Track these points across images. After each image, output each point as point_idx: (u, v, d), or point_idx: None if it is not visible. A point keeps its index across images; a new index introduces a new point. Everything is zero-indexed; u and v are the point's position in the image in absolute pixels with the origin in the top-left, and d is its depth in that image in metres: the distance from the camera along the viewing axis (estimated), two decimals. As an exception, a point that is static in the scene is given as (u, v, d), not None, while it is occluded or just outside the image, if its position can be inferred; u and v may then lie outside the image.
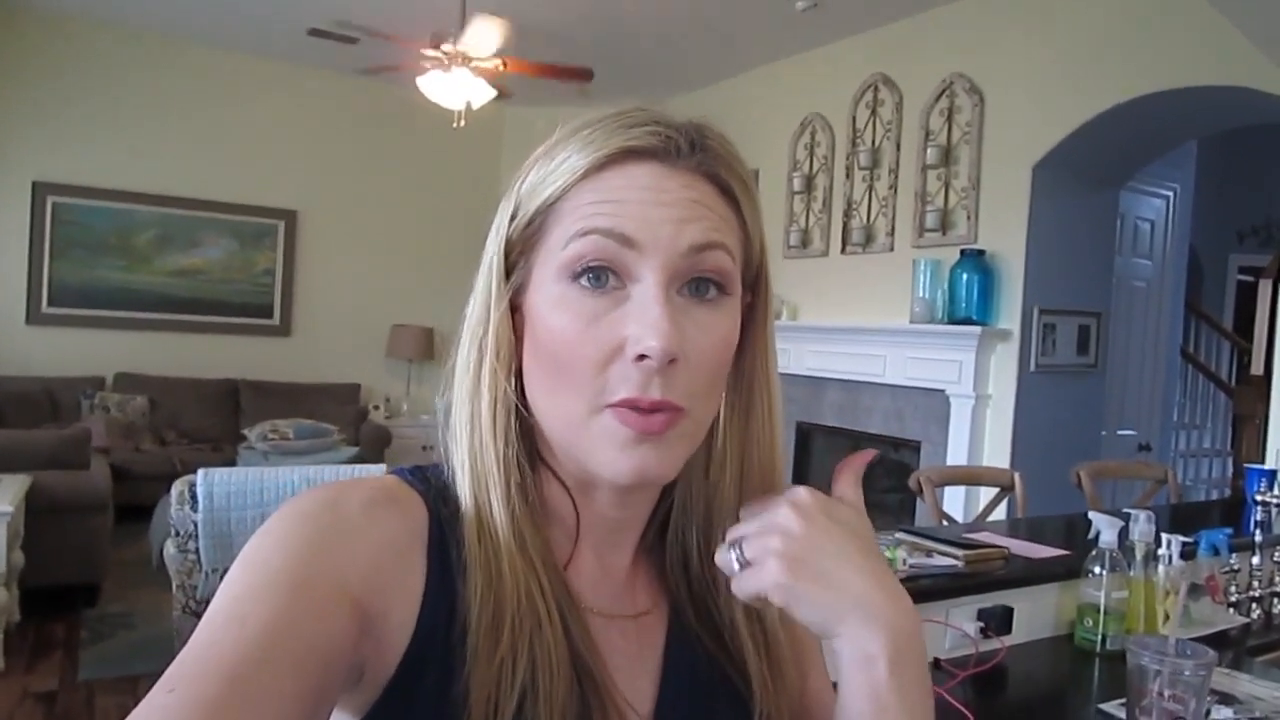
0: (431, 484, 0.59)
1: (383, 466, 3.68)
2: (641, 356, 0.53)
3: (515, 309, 0.59)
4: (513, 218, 0.59)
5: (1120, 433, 4.70)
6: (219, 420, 5.56)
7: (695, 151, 0.58)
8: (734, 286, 0.59)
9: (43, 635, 3.38)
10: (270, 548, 0.51)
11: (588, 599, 0.61)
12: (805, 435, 5.05)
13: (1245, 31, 2.90)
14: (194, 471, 2.60)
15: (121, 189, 5.53)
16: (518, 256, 0.59)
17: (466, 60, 4.03)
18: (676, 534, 0.66)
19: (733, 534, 0.58)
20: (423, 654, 0.53)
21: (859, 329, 4.51)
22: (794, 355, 4.94)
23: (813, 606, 0.54)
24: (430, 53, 3.99)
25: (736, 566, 0.56)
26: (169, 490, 2.63)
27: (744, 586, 0.56)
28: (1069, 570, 1.90)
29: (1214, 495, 5.72)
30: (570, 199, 0.57)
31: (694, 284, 0.56)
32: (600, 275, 0.55)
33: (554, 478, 0.61)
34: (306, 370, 6.10)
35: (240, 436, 5.28)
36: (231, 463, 4.81)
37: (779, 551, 0.54)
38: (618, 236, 0.54)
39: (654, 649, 0.64)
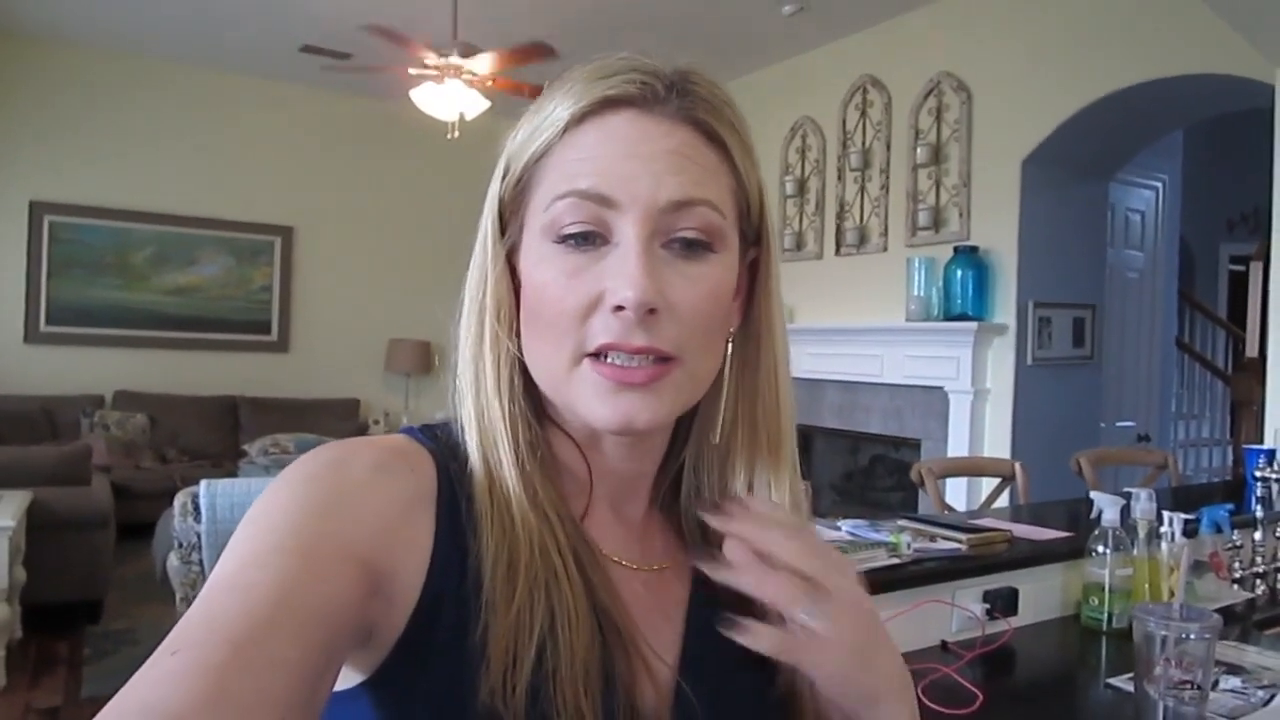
0: (441, 441, 0.59)
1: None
2: (619, 308, 0.53)
3: (512, 269, 0.59)
4: (504, 176, 0.60)
5: (1119, 424, 4.72)
6: (219, 437, 5.56)
7: (676, 97, 0.57)
8: (724, 243, 0.57)
9: (45, 652, 3.37)
10: (274, 511, 0.50)
11: (608, 549, 0.61)
12: (805, 437, 5.05)
13: (1226, 18, 2.93)
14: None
15: (118, 208, 5.55)
16: (510, 215, 0.60)
17: (459, 72, 4.06)
18: (690, 497, 0.66)
19: (801, 564, 0.55)
20: (434, 609, 0.52)
21: (856, 329, 4.53)
22: (792, 358, 4.92)
23: (860, 691, 0.55)
24: (419, 71, 4.01)
25: (805, 618, 0.54)
26: (171, 505, 2.63)
27: (795, 653, 0.54)
28: (1073, 551, 1.91)
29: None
30: (554, 155, 0.56)
31: (680, 242, 0.55)
32: (583, 237, 0.55)
33: (562, 433, 0.61)
34: (305, 385, 6.10)
35: (241, 452, 5.28)
36: (233, 478, 4.81)
37: (848, 630, 0.54)
38: (595, 197, 0.54)
39: (678, 603, 0.63)
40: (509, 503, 0.56)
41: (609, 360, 0.54)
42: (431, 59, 3.97)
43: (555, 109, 0.57)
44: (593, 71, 0.57)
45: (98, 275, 5.54)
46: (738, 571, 0.55)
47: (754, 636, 0.53)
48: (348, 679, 0.54)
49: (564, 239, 0.55)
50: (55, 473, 3.74)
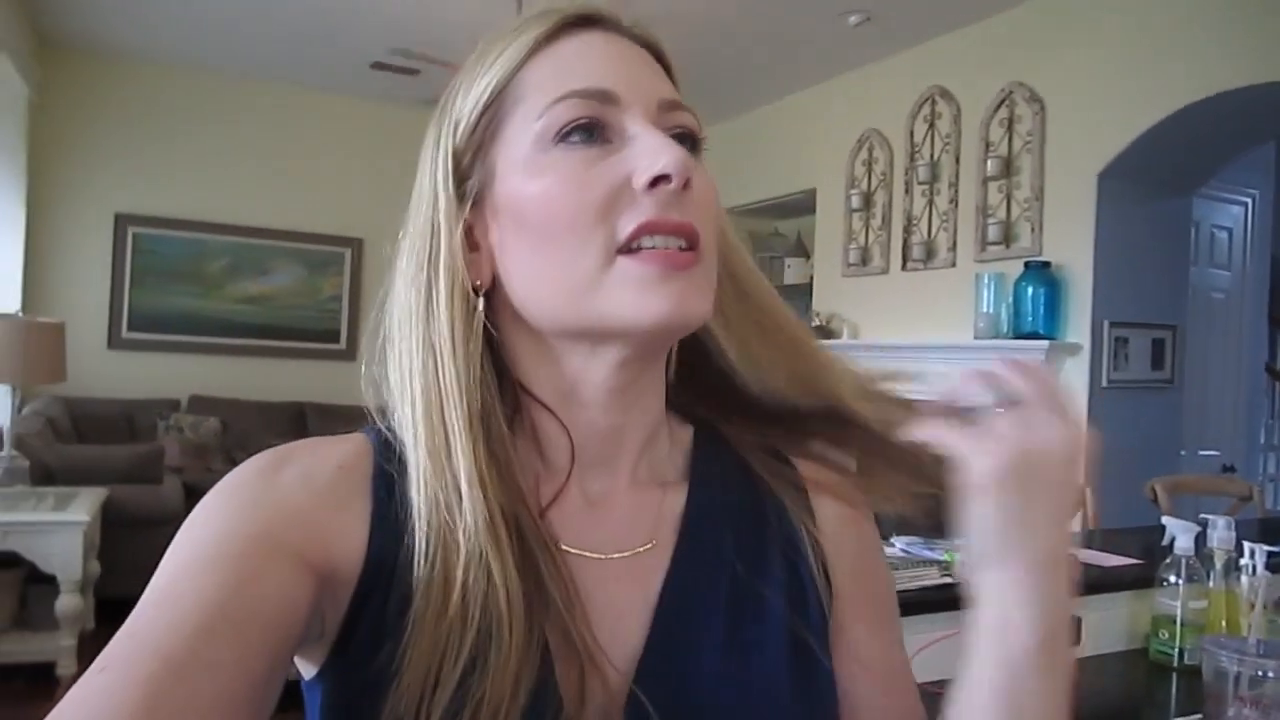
0: (379, 430, 0.56)
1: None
2: (657, 180, 0.50)
3: (471, 225, 0.55)
4: (455, 130, 0.55)
5: (1201, 453, 4.49)
6: (286, 442, 5.67)
7: (633, 26, 0.57)
8: (701, 150, 0.56)
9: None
10: (204, 522, 0.49)
11: (571, 539, 0.55)
12: (868, 455, 4.94)
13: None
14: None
15: (195, 219, 5.74)
16: (470, 162, 0.55)
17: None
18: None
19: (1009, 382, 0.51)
20: (363, 607, 0.50)
21: (921, 346, 4.42)
22: (855, 374, 4.85)
23: (996, 530, 0.49)
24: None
25: (987, 399, 0.50)
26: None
27: (958, 441, 0.50)
28: (1142, 579, 1.81)
29: (1305, 519, 5.44)
30: (525, 77, 0.53)
31: (677, 136, 0.53)
32: (590, 131, 0.52)
33: (530, 398, 0.56)
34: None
35: (307, 458, 5.38)
36: (298, 482, 4.91)
37: (1021, 465, 0.49)
38: (597, 94, 0.52)
39: (649, 592, 0.56)
40: (447, 495, 0.51)
41: (647, 247, 0.50)
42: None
43: (509, 47, 0.54)
44: (538, 8, 0.56)
45: (175, 284, 5.73)
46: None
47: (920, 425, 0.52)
48: (308, 670, 0.53)
49: (567, 135, 0.51)
50: (130, 472, 3.88)
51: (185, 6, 4.64)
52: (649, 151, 0.50)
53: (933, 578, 1.57)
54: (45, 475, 3.62)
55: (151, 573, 0.48)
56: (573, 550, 0.55)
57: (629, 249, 0.50)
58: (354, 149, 6.11)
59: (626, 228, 0.50)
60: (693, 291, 0.51)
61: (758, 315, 0.60)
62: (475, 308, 0.54)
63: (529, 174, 0.52)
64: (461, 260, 0.54)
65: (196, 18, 4.78)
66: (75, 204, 5.46)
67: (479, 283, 0.55)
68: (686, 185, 0.51)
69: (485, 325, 0.55)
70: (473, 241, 0.55)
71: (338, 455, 0.55)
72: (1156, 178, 3.86)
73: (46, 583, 3.18)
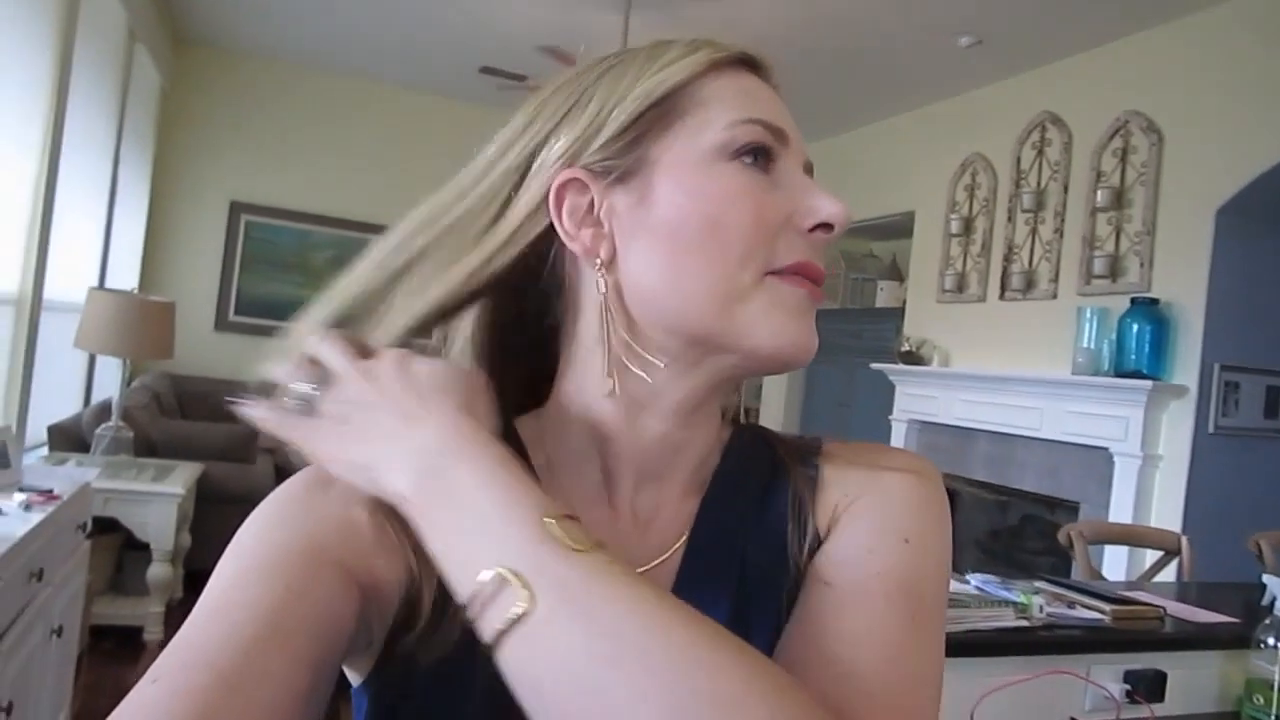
0: None
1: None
2: (821, 226, 0.54)
3: (594, 200, 0.55)
4: (611, 108, 0.55)
5: (1315, 510, 4.22)
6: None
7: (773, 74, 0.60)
8: None
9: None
10: (251, 536, 0.50)
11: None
12: (952, 488, 4.81)
13: None
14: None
15: (304, 211, 5.98)
16: (615, 147, 0.54)
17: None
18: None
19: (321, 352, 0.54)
20: (409, 616, 0.51)
21: (1015, 379, 4.27)
22: (943, 403, 4.74)
23: (346, 463, 0.50)
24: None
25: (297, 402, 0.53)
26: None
27: (297, 432, 0.52)
28: (1236, 638, 1.72)
29: None
30: (705, 86, 0.55)
31: None
32: (758, 155, 0.55)
33: (602, 400, 0.55)
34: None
35: (392, 448, 5.54)
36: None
37: (332, 411, 0.51)
38: (774, 130, 0.55)
39: None
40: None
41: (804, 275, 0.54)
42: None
43: (684, 56, 0.56)
44: (704, 37, 0.58)
45: (282, 273, 5.97)
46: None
47: (249, 409, 0.54)
48: (355, 679, 0.55)
49: (743, 153, 0.54)
50: (226, 449, 4.04)
51: (309, 9, 4.85)
52: (821, 198, 0.55)
53: (1008, 619, 1.51)
54: (148, 447, 3.81)
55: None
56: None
57: (781, 273, 0.54)
58: (456, 151, 6.13)
59: (785, 259, 0.54)
60: (813, 333, 0.55)
61: None
62: (596, 284, 0.54)
63: (700, 176, 0.53)
64: (526, 209, 0.55)
65: (318, 20, 4.99)
66: (194, 190, 5.75)
67: (599, 258, 0.54)
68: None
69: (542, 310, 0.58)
70: (590, 216, 0.55)
71: None
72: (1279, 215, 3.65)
73: (140, 550, 3.34)
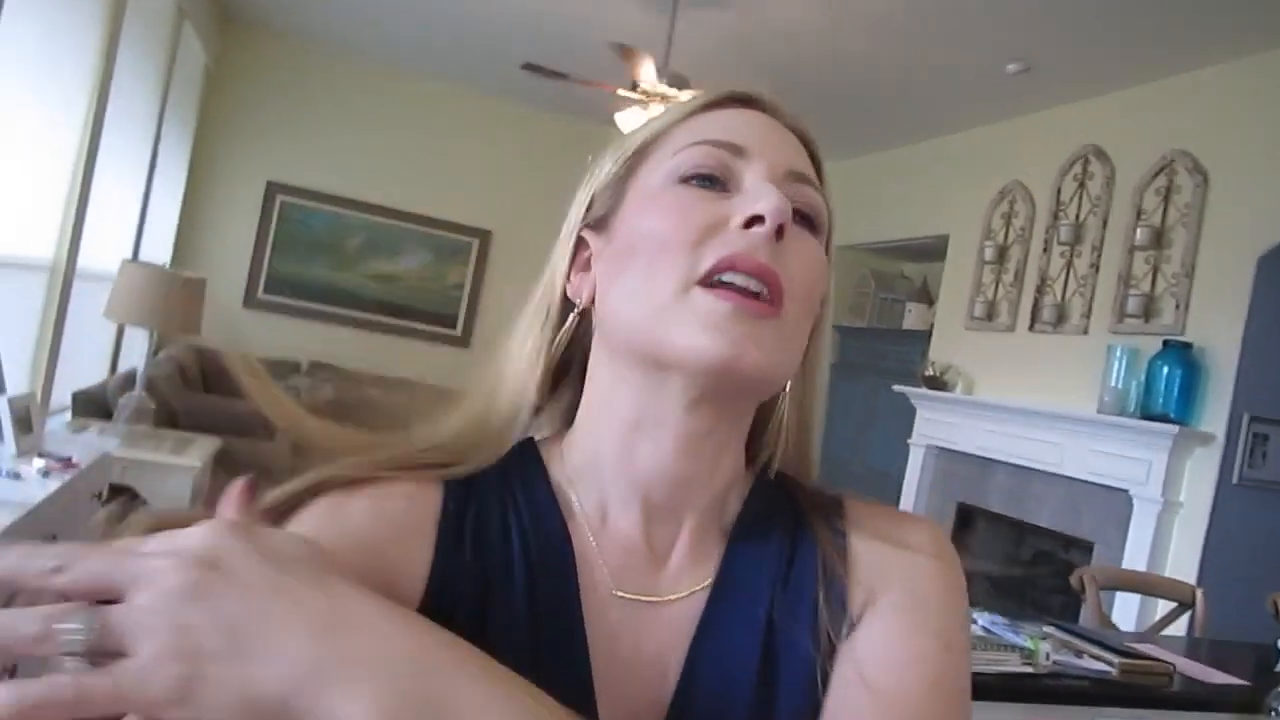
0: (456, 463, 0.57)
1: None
2: (753, 220, 0.51)
3: (592, 251, 0.59)
4: (602, 172, 0.60)
5: (1338, 570, 4.13)
6: (392, 416, 5.87)
7: (789, 113, 0.59)
8: (823, 234, 0.57)
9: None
10: None
11: (618, 578, 0.54)
12: (966, 517, 4.76)
13: None
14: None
15: (339, 195, 6.03)
16: (604, 198, 0.59)
17: (665, 100, 4.13)
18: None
19: (73, 574, 0.35)
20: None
21: (1038, 412, 4.22)
22: (963, 430, 4.68)
23: (239, 711, 0.34)
24: (628, 94, 4.12)
25: (76, 660, 0.34)
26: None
27: (101, 691, 0.33)
28: (1247, 704, 1.68)
29: None
30: (674, 132, 0.57)
31: (794, 211, 0.54)
32: (708, 179, 0.54)
33: (613, 407, 0.56)
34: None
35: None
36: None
37: (165, 636, 0.33)
38: (728, 146, 0.54)
39: (686, 639, 0.54)
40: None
41: (726, 284, 0.50)
42: (642, 85, 4.07)
43: (675, 110, 0.59)
44: (711, 86, 0.61)
45: (313, 254, 6.03)
46: None
47: None
48: None
49: (690, 178, 0.54)
50: (246, 425, 4.07)
51: (357, -6, 4.89)
52: (754, 197, 0.52)
53: (1013, 664, 1.49)
54: (169, 418, 3.84)
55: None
56: (617, 593, 0.55)
57: (709, 283, 0.50)
58: (492, 146, 6.29)
59: (711, 259, 0.51)
60: (756, 342, 0.49)
61: (805, 398, 0.61)
62: (542, 331, 0.59)
63: (648, 204, 0.55)
64: (562, 274, 0.60)
65: (365, 5, 5.02)
66: (232, 169, 5.81)
67: (578, 300, 0.58)
68: (781, 235, 0.51)
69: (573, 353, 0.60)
70: (587, 263, 0.59)
71: (406, 487, 0.55)
72: (1324, 268, 3.57)
73: (155, 520, 3.38)
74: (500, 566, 0.53)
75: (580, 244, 0.59)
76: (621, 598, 0.54)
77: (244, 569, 0.36)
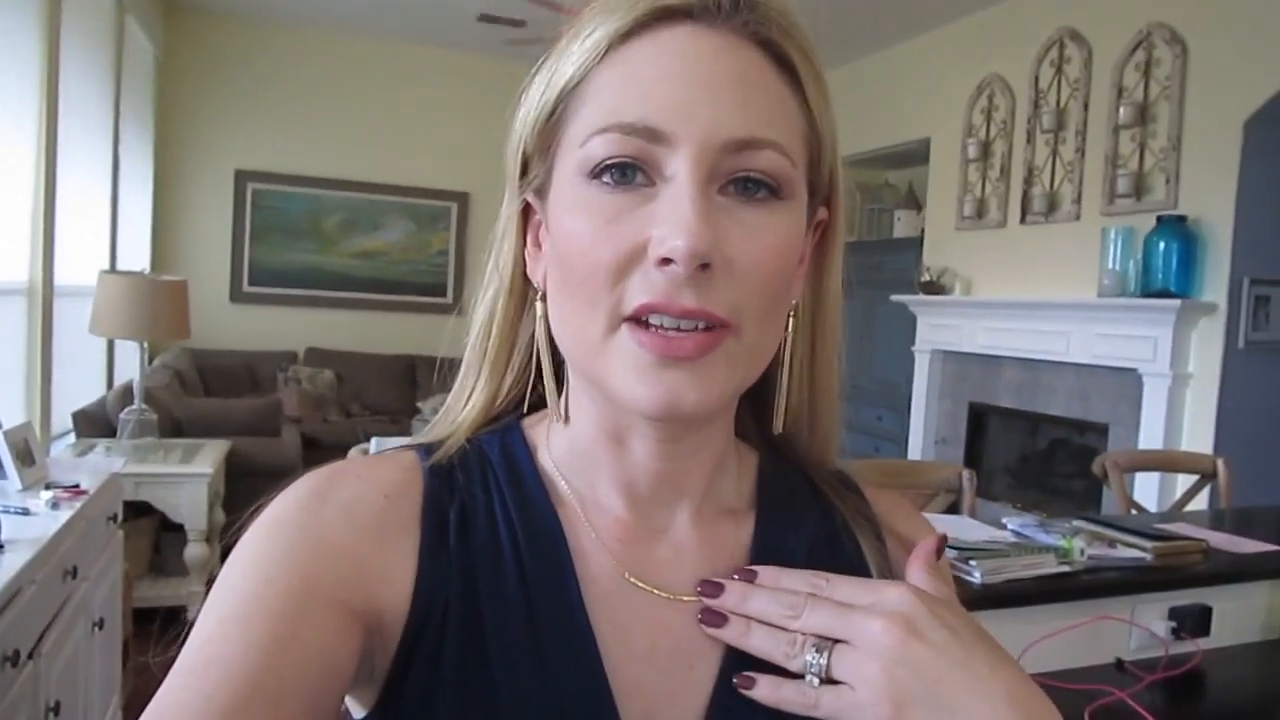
0: (429, 448, 0.54)
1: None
2: (665, 260, 0.44)
3: (539, 222, 0.53)
4: (530, 113, 0.52)
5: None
6: (398, 394, 5.87)
7: (743, 9, 0.47)
8: (792, 194, 0.48)
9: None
10: (240, 570, 0.46)
11: (643, 573, 0.52)
12: (979, 416, 4.77)
13: None
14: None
15: (312, 175, 5.92)
16: (536, 157, 0.52)
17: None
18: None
19: (806, 622, 0.48)
20: (416, 643, 0.48)
21: (1040, 304, 4.20)
22: (966, 332, 4.67)
23: None
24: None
25: (815, 680, 0.47)
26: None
27: (827, 706, 0.47)
28: (1281, 569, 1.69)
29: None
30: (593, 80, 0.48)
31: (740, 183, 0.46)
32: (624, 172, 0.46)
33: (589, 416, 0.53)
34: (476, 347, 6.32)
35: (416, 410, 5.55)
36: (406, 434, 5.07)
37: (881, 683, 0.45)
38: (642, 131, 0.45)
39: (717, 641, 0.52)
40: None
41: (651, 325, 0.45)
42: None
43: (595, 27, 0.48)
44: None
45: (293, 240, 5.94)
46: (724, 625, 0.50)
47: (758, 688, 0.48)
48: (358, 710, 0.51)
49: (600, 173, 0.46)
50: (251, 424, 4.06)
51: (296, -33, 4.73)
52: (667, 220, 0.44)
53: (1049, 566, 1.49)
54: (173, 427, 3.83)
55: (236, 529, 0.49)
56: (640, 584, 0.52)
57: (634, 319, 0.46)
58: (460, 103, 6.16)
59: (633, 301, 0.46)
60: (686, 384, 0.46)
61: (820, 371, 0.57)
62: (510, 313, 0.56)
63: (568, 204, 0.48)
64: (513, 254, 0.54)
65: (306, -22, 4.87)
66: (198, 162, 5.69)
67: (537, 283, 0.53)
68: (707, 266, 0.45)
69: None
70: (538, 239, 0.53)
71: (384, 483, 0.51)
72: (1312, 123, 3.52)
73: (176, 530, 3.38)
74: (490, 558, 0.50)
75: (528, 208, 0.54)
76: (633, 584, 0.52)
77: (936, 638, 0.46)
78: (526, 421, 0.58)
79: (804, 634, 0.48)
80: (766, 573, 0.51)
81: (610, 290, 0.46)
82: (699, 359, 0.46)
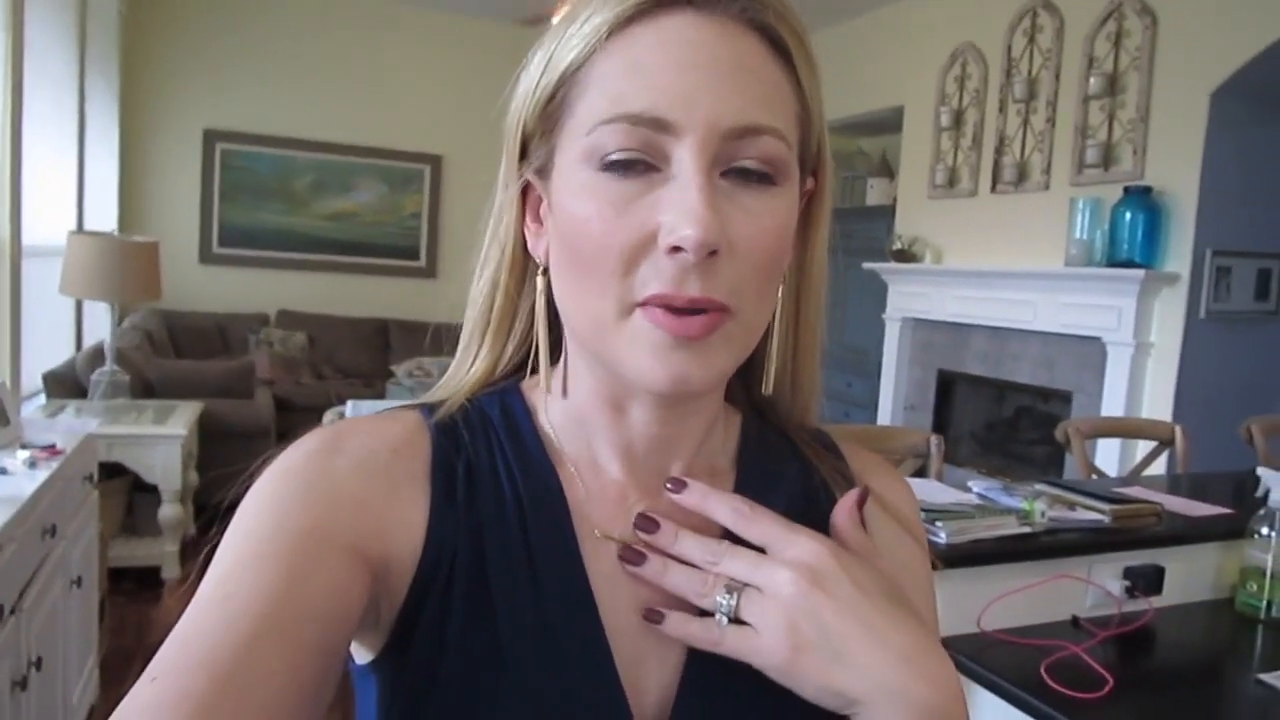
0: (441, 409, 0.57)
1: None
2: (675, 249, 0.46)
3: (539, 198, 0.55)
4: (533, 91, 0.53)
5: (1305, 389, 4.29)
6: (371, 357, 5.85)
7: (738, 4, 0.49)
8: (787, 176, 0.50)
9: (215, 546, 3.69)
10: (253, 514, 0.48)
11: (629, 526, 0.54)
12: (947, 384, 4.86)
13: None
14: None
15: (282, 135, 5.83)
16: (537, 137, 0.53)
17: None
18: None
19: (724, 566, 0.51)
20: (424, 594, 0.50)
21: (1008, 273, 4.27)
22: (935, 300, 4.74)
23: (821, 690, 0.48)
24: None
25: (723, 619, 0.50)
26: (322, 421, 2.79)
27: (730, 645, 0.50)
28: (1231, 530, 1.77)
29: None
30: (595, 66, 0.49)
31: (739, 172, 0.49)
32: (629, 165, 0.48)
33: (588, 385, 0.55)
34: (451, 311, 6.27)
35: (389, 373, 5.55)
36: (381, 397, 5.07)
37: (781, 625, 0.48)
38: (648, 121, 0.47)
39: None
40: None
41: (664, 308, 0.48)
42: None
43: (593, 13, 0.49)
44: None
45: (263, 200, 5.87)
46: (644, 562, 0.52)
47: (667, 622, 0.51)
48: (362, 655, 0.53)
49: (610, 166, 0.48)
50: (224, 386, 4.04)
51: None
52: (678, 209, 0.46)
53: (1011, 527, 1.55)
54: (145, 389, 3.80)
55: (245, 480, 0.50)
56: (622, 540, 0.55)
57: (648, 304, 0.48)
58: (435, 64, 6.08)
59: (644, 289, 0.48)
60: (693, 364, 0.49)
61: (803, 336, 0.60)
62: (509, 287, 0.57)
63: (574, 188, 0.50)
64: (512, 232, 0.56)
65: (276, -68, 4.76)
66: (166, 120, 5.59)
67: (539, 258, 0.55)
68: (714, 253, 0.47)
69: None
70: (538, 215, 0.55)
71: (392, 438, 0.54)
72: (1275, 97, 3.59)
73: (150, 491, 3.38)
74: (494, 513, 0.52)
75: (528, 186, 0.55)
76: (625, 542, 0.54)
77: (840, 591, 0.49)
78: (526, 384, 0.60)
79: (717, 575, 0.51)
80: (696, 486, 0.54)
81: (621, 278, 0.48)
82: (703, 339, 0.48)
